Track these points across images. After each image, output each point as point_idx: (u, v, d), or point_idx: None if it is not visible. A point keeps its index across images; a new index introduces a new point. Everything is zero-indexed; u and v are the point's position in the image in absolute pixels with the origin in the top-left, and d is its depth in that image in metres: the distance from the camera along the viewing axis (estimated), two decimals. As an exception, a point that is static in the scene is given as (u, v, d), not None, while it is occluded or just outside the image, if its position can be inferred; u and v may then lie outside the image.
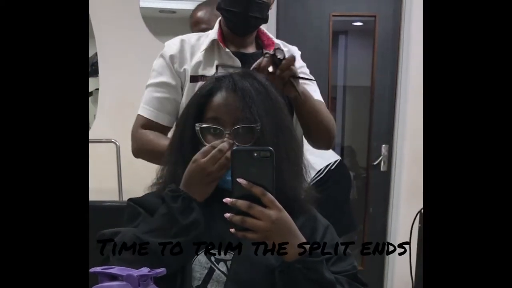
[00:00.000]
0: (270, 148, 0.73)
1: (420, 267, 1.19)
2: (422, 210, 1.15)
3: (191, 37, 1.26)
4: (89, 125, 2.53)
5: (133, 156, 1.28)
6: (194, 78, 1.19)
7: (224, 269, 0.81)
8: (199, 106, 0.86)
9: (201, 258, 0.81)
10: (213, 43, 1.22)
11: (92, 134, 2.38)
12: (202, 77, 1.18)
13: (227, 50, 1.21)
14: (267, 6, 1.22)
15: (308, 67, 1.37)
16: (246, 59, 1.23)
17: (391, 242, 2.78)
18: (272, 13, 2.61)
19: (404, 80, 2.65)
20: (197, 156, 0.80)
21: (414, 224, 1.18)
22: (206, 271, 0.81)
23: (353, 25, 2.86)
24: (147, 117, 1.22)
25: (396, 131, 2.71)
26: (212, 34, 1.23)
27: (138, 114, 1.23)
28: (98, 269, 0.68)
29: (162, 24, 2.59)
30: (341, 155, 2.92)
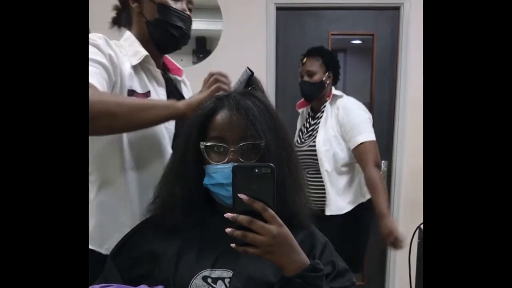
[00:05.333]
0: (271, 164, 0.73)
1: (420, 281, 1.18)
2: (422, 225, 1.16)
3: (113, 43, 1.08)
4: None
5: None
6: (130, 92, 1.06)
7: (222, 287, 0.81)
8: (202, 125, 0.87)
9: (198, 281, 0.81)
10: (145, 59, 1.10)
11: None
12: (132, 92, 1.06)
13: (157, 69, 1.14)
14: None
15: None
16: (167, 81, 1.17)
17: (391, 256, 2.78)
18: (272, 31, 2.66)
19: (402, 97, 2.67)
20: None
21: (414, 239, 1.19)
22: None
23: (352, 43, 2.89)
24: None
25: (395, 147, 2.73)
26: (140, 49, 1.11)
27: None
28: (96, 287, 0.68)
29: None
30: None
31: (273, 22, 2.67)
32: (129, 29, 1.18)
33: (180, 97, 1.21)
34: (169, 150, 1.11)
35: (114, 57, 1.03)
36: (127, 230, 1.03)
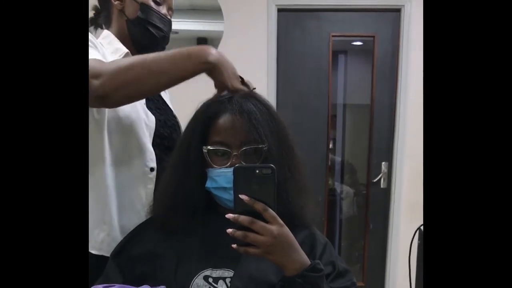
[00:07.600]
0: (272, 165, 0.74)
1: (420, 283, 1.19)
2: (422, 227, 1.16)
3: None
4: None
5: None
6: None
7: (224, 287, 0.81)
8: (204, 129, 0.87)
9: (199, 281, 0.81)
10: (126, 56, 1.11)
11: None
12: None
13: None
14: None
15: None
16: None
17: (391, 258, 2.79)
18: (273, 33, 2.66)
19: (403, 98, 2.68)
20: None
21: (414, 241, 1.19)
22: None
23: (353, 44, 2.90)
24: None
25: (396, 149, 2.73)
26: (120, 46, 1.12)
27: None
28: (99, 286, 0.68)
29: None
30: (342, 172, 2.94)
31: (274, 23, 2.67)
32: (108, 28, 1.18)
33: (159, 97, 1.22)
34: (149, 147, 1.10)
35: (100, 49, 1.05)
36: (105, 227, 1.03)
